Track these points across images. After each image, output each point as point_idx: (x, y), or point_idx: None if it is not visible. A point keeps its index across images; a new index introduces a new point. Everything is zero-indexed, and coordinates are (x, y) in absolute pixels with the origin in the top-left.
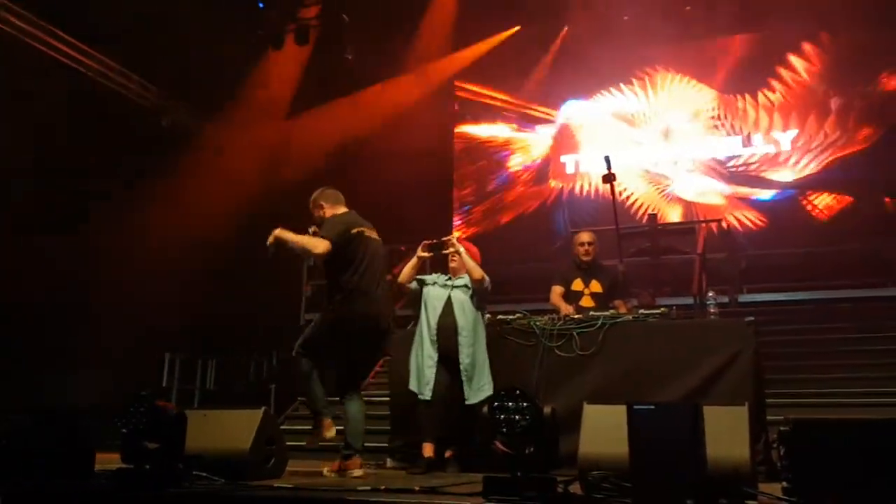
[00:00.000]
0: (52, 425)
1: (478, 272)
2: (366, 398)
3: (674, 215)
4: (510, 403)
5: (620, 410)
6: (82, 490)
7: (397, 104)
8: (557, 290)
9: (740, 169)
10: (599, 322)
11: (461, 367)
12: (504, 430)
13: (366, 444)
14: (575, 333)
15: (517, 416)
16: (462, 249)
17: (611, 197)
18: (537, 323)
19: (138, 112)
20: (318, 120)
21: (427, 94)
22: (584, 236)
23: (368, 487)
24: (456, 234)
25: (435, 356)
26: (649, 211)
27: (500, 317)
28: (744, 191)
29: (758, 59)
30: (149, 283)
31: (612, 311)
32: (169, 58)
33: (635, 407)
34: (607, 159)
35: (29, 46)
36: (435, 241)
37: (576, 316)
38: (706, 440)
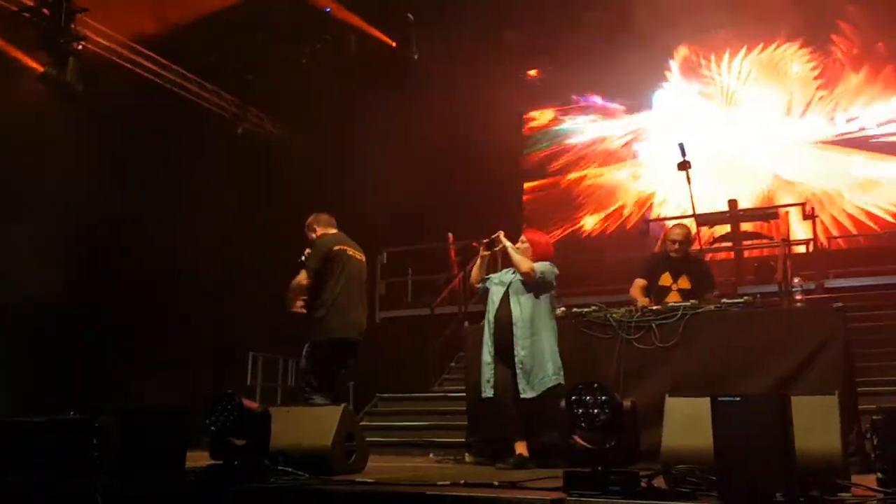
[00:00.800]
0: (145, 423)
1: (524, 265)
2: (443, 394)
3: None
4: (588, 397)
5: (704, 403)
6: (175, 486)
7: (467, 98)
8: (638, 283)
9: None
10: (679, 313)
11: (516, 359)
12: (583, 424)
13: (444, 440)
14: (654, 325)
15: (596, 411)
16: (508, 244)
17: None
18: (614, 315)
19: (215, 120)
20: (389, 120)
21: (498, 85)
22: (677, 232)
23: (448, 482)
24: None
25: (492, 352)
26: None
27: (575, 309)
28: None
29: None
30: (232, 284)
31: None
32: (243, 67)
33: (720, 399)
34: (682, 146)
35: (111, 62)
36: (487, 238)
37: (654, 307)
38: (795, 431)
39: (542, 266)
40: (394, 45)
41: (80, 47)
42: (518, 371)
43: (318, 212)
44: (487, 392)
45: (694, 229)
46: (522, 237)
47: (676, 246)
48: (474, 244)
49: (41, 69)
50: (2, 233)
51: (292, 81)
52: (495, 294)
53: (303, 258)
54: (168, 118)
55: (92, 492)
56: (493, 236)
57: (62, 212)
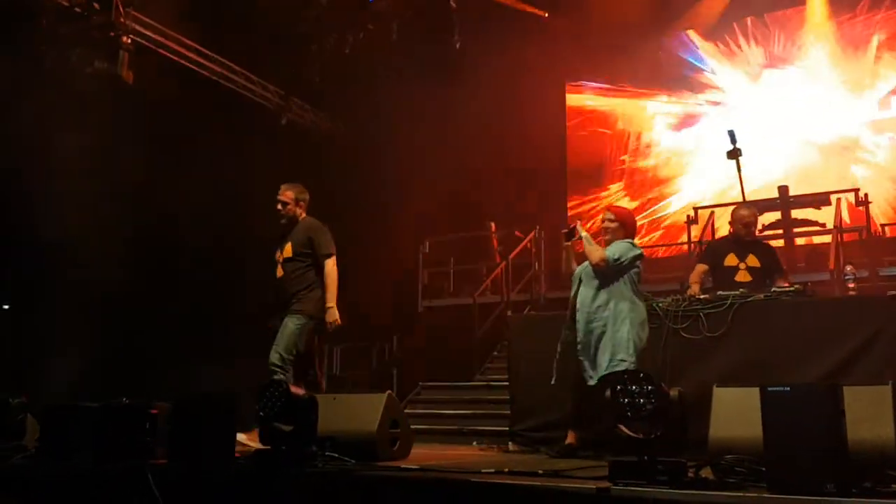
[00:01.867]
0: (196, 409)
1: (595, 256)
2: (486, 383)
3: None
4: (634, 387)
5: (753, 393)
6: (226, 470)
7: (509, 84)
8: (699, 269)
9: None
10: (728, 302)
11: (579, 346)
12: (629, 414)
13: (488, 428)
14: (701, 314)
15: (642, 400)
16: (584, 235)
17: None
18: (660, 304)
19: (260, 111)
20: (431, 108)
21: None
22: (746, 213)
23: (492, 470)
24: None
25: (562, 337)
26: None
27: None
28: None
29: None
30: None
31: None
32: (287, 58)
33: (770, 389)
34: (731, 133)
35: (158, 54)
36: (566, 229)
37: (702, 296)
38: (847, 422)
39: (617, 250)
40: (437, 33)
41: (129, 40)
42: (581, 357)
43: (356, 204)
44: (553, 379)
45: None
46: (610, 214)
47: (750, 228)
48: (517, 233)
49: (93, 63)
50: (67, 222)
51: (335, 71)
52: (574, 278)
53: (300, 248)
54: (215, 109)
55: (145, 475)
56: (571, 227)
57: (120, 203)
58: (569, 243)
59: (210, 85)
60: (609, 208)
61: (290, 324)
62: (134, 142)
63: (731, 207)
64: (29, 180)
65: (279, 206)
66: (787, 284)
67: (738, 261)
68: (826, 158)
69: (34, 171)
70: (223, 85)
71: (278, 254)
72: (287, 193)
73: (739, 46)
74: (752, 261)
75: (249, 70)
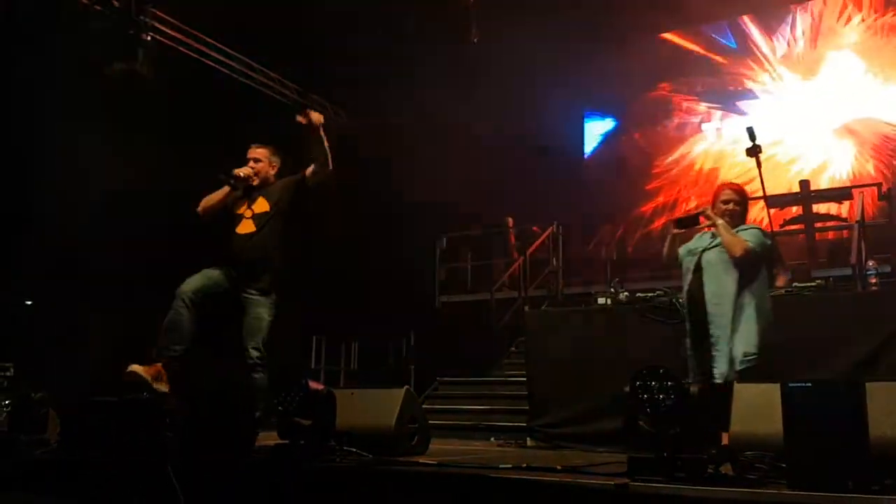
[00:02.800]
0: (215, 404)
1: (737, 248)
2: (503, 378)
3: None
4: (653, 383)
5: (773, 389)
6: (243, 464)
7: (526, 79)
8: None
9: None
10: None
11: (712, 339)
12: (648, 410)
13: (505, 424)
14: None
15: (661, 396)
16: (720, 222)
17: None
18: (680, 300)
19: (278, 107)
20: (447, 104)
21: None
22: (727, 192)
23: (510, 465)
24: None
25: (689, 332)
26: None
27: (639, 295)
28: None
29: None
30: (294, 269)
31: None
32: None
33: (791, 385)
34: (750, 130)
35: (177, 51)
36: (684, 215)
37: None
38: (869, 418)
39: (752, 237)
40: (454, 27)
41: (149, 38)
42: (713, 352)
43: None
44: (690, 377)
45: (764, 213)
46: (732, 194)
47: (731, 206)
48: (534, 228)
49: (112, 63)
50: (88, 219)
51: (352, 67)
52: (685, 269)
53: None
54: (233, 106)
55: (165, 469)
56: (696, 213)
57: (139, 199)
58: (680, 231)
59: (228, 81)
60: (728, 186)
61: (265, 314)
62: (152, 139)
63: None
64: (51, 177)
65: (251, 164)
66: (783, 279)
67: None
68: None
69: (56, 168)
70: (241, 81)
71: (244, 208)
72: (259, 150)
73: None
74: None
75: (268, 67)
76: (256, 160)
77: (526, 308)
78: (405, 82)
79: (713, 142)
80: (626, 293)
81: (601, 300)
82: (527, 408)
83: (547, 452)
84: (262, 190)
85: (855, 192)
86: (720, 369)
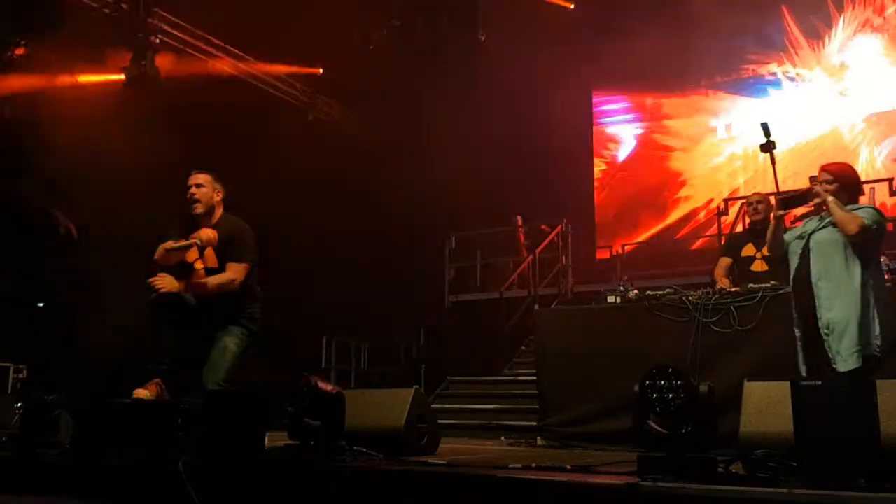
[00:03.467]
0: (227, 405)
1: (852, 225)
2: (514, 377)
3: None
4: (663, 382)
5: (784, 387)
6: (254, 464)
7: (534, 78)
8: (722, 263)
9: None
10: (759, 295)
11: (820, 324)
12: (657, 409)
13: (515, 423)
14: (732, 308)
15: (671, 395)
16: (831, 198)
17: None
18: (690, 298)
19: (286, 108)
20: (456, 103)
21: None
22: (755, 195)
23: (520, 465)
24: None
25: (796, 320)
26: None
27: (649, 293)
28: None
29: None
30: (305, 268)
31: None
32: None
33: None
34: (765, 126)
35: (185, 53)
36: (790, 193)
37: (732, 289)
38: (880, 416)
39: (868, 215)
40: (462, 27)
41: (157, 40)
42: (826, 339)
43: (382, 195)
44: (802, 370)
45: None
46: (826, 175)
47: (754, 206)
48: (543, 227)
49: (122, 64)
50: (99, 221)
51: (361, 67)
52: (792, 253)
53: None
54: (240, 107)
55: (177, 470)
56: (803, 191)
57: (149, 201)
58: (784, 212)
59: (236, 82)
60: (825, 168)
61: (232, 345)
62: (161, 141)
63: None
64: (62, 179)
65: (193, 191)
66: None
67: (755, 250)
68: None
69: (67, 169)
70: (249, 83)
71: (194, 257)
72: (201, 176)
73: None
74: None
75: (275, 67)
76: (199, 185)
77: (536, 307)
78: (414, 81)
79: (724, 137)
80: (635, 291)
81: (611, 298)
82: (537, 407)
83: (557, 451)
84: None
85: (865, 187)
86: (833, 357)
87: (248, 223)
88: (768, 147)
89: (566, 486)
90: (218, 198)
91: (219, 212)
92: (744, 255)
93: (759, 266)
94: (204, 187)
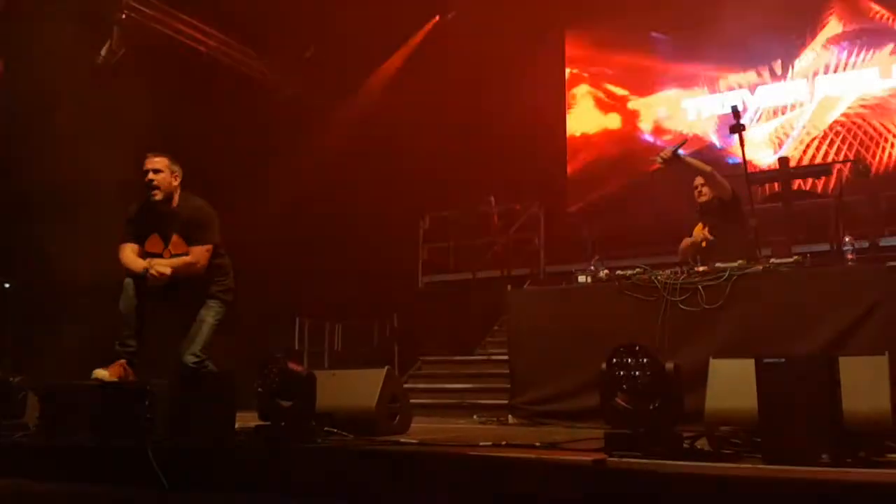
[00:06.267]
0: (195, 386)
1: None
2: (486, 357)
3: None
4: (630, 360)
5: (749, 365)
6: (225, 446)
7: (506, 55)
8: (684, 242)
9: None
10: (727, 274)
11: None
12: (624, 387)
13: (488, 402)
14: (700, 287)
15: (637, 373)
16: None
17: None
18: (659, 277)
19: (255, 85)
20: (428, 83)
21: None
22: (697, 178)
23: (490, 443)
24: None
25: None
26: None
27: (619, 272)
28: None
29: None
30: (278, 250)
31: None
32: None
33: (765, 360)
34: (735, 109)
35: (153, 29)
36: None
37: (701, 268)
38: (843, 393)
39: None
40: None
41: (124, 16)
42: None
43: (355, 175)
44: None
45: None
46: None
47: (700, 188)
48: (517, 207)
49: (86, 41)
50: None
51: (332, 47)
52: None
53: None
54: (211, 85)
55: (144, 451)
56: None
57: (117, 179)
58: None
59: (205, 60)
60: None
61: (209, 317)
62: (130, 118)
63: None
64: (25, 158)
65: (150, 176)
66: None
67: (703, 228)
68: None
69: (30, 149)
70: (220, 59)
71: (160, 245)
72: (158, 160)
73: None
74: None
75: (244, 43)
76: (156, 171)
77: (509, 287)
78: (385, 61)
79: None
80: (606, 271)
81: (581, 278)
82: (509, 386)
83: (528, 429)
84: (169, 215)
85: (833, 168)
86: None
87: (210, 202)
88: (738, 128)
89: (535, 464)
90: (176, 182)
91: (177, 195)
92: (694, 234)
93: (705, 244)
94: (162, 172)
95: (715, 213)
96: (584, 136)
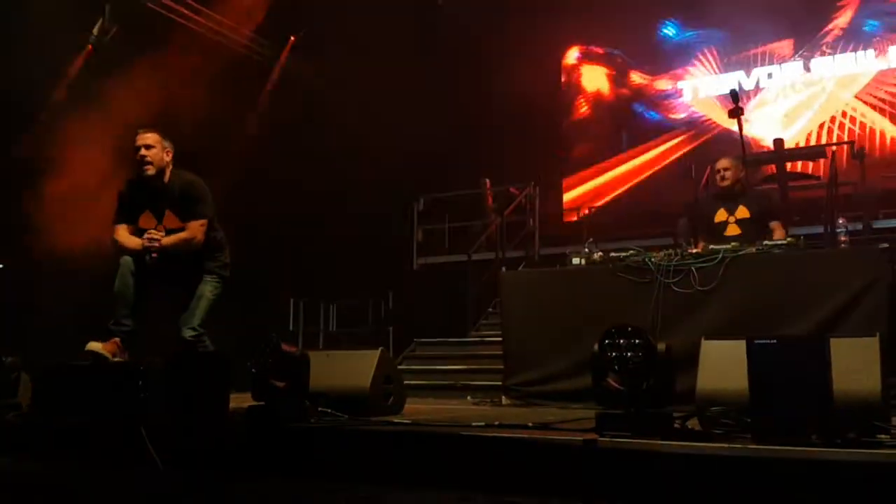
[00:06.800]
0: (189, 366)
1: None
2: (480, 339)
3: None
4: (622, 341)
5: (740, 346)
6: (219, 425)
7: (500, 36)
8: (683, 225)
9: None
10: (720, 256)
11: None
12: (616, 367)
13: (482, 383)
14: (693, 268)
15: (629, 354)
16: None
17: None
18: (652, 259)
19: (250, 62)
20: (425, 64)
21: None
22: (720, 162)
23: (483, 423)
24: None
25: None
26: None
27: (612, 254)
28: None
29: None
30: (272, 230)
31: (768, 240)
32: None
33: (756, 341)
34: (734, 93)
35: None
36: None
37: (693, 250)
38: (834, 373)
39: None
40: None
41: None
42: None
43: (346, 156)
44: None
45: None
46: None
47: (721, 173)
48: (511, 190)
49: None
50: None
51: (327, 25)
52: None
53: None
54: (205, 63)
55: (138, 430)
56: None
57: (110, 157)
58: None
59: (199, 38)
60: None
61: (207, 292)
62: (126, 95)
63: None
64: (14, 134)
65: (143, 152)
66: (781, 228)
67: (727, 215)
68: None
69: (14, 116)
70: (214, 39)
71: (153, 222)
72: (149, 136)
73: None
74: (742, 212)
75: (240, 24)
76: (148, 146)
77: (503, 269)
78: (379, 40)
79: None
80: (599, 253)
81: (575, 260)
82: (502, 367)
83: (521, 410)
84: (163, 190)
85: (828, 150)
86: None
87: (202, 179)
88: (736, 113)
89: (527, 443)
90: (168, 157)
91: (169, 171)
92: (717, 220)
93: (733, 230)
94: (154, 148)
95: (737, 198)
96: (582, 116)
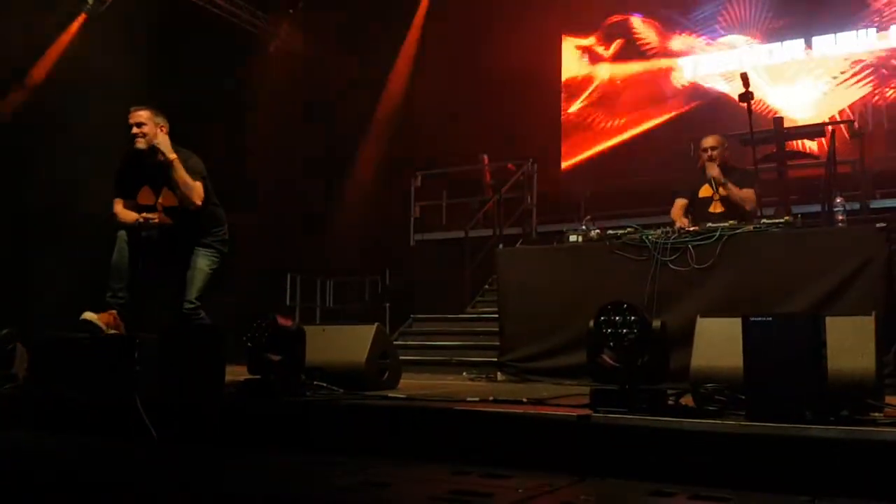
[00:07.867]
0: (185, 340)
1: None
2: (476, 315)
3: None
4: (617, 317)
5: (735, 323)
6: (215, 400)
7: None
8: (679, 203)
9: None
10: (717, 234)
11: None
12: (611, 344)
13: (477, 359)
14: (690, 246)
15: (624, 330)
16: None
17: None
18: (649, 237)
19: (247, 36)
20: (421, 39)
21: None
22: (706, 140)
23: (477, 398)
24: None
25: None
26: None
27: (610, 232)
28: None
29: None
30: (270, 205)
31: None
32: None
33: (751, 319)
34: (745, 77)
35: None
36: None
37: (691, 228)
38: (829, 352)
39: None
40: None
41: None
42: None
43: (346, 130)
44: None
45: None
46: None
47: (708, 153)
48: (509, 166)
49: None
50: (50, 153)
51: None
52: None
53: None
54: (199, 35)
55: (133, 403)
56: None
57: (105, 135)
58: None
59: (194, 8)
60: None
61: (205, 265)
62: (121, 69)
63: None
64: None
65: (135, 130)
66: (753, 201)
67: (712, 191)
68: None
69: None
70: (207, 9)
71: (152, 197)
72: (141, 113)
73: None
74: (725, 191)
75: None
76: (140, 124)
77: (500, 246)
78: (379, 14)
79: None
80: (597, 231)
81: (572, 238)
82: (498, 343)
83: (516, 386)
84: (157, 166)
85: (827, 129)
86: None
87: (199, 155)
88: (747, 97)
89: (521, 419)
90: (162, 132)
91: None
92: (701, 195)
93: (716, 207)
94: (146, 125)
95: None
96: (582, 91)
